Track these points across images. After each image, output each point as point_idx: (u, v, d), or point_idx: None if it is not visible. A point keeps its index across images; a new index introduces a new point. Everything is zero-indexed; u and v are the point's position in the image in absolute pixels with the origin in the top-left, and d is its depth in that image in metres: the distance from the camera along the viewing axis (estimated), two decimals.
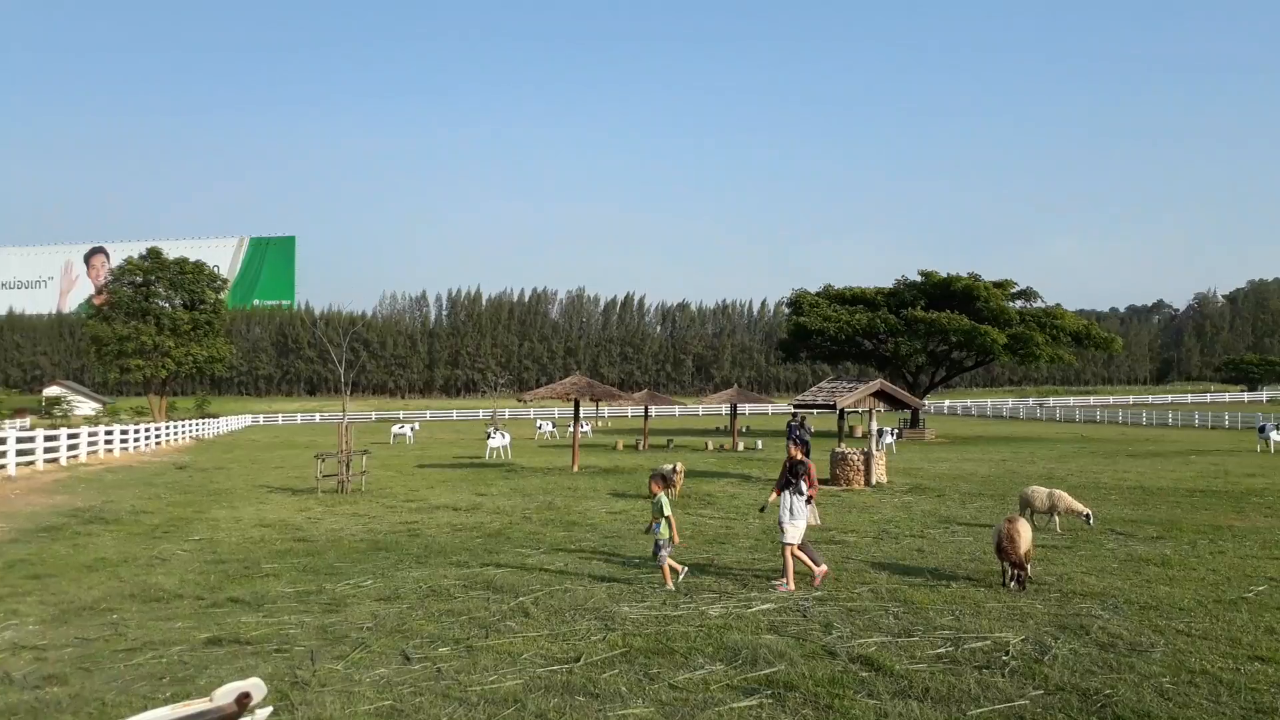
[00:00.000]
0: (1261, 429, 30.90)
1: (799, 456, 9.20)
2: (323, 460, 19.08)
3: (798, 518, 8.86)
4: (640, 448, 33.40)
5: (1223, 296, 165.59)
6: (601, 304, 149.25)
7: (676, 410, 78.94)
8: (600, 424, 61.40)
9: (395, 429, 41.07)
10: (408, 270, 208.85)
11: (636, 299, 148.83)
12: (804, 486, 8.84)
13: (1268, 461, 25.30)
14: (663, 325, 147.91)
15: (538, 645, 6.73)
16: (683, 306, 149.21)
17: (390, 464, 25.94)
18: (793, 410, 23.62)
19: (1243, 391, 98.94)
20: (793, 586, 8.68)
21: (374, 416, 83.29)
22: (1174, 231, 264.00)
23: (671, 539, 8.80)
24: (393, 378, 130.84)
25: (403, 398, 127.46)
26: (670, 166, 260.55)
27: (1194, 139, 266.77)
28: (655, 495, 8.85)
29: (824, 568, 8.90)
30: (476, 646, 6.71)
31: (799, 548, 8.90)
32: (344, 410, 21.05)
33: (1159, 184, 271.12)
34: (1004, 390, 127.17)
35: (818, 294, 51.02)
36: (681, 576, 8.85)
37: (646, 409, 36.13)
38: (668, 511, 8.79)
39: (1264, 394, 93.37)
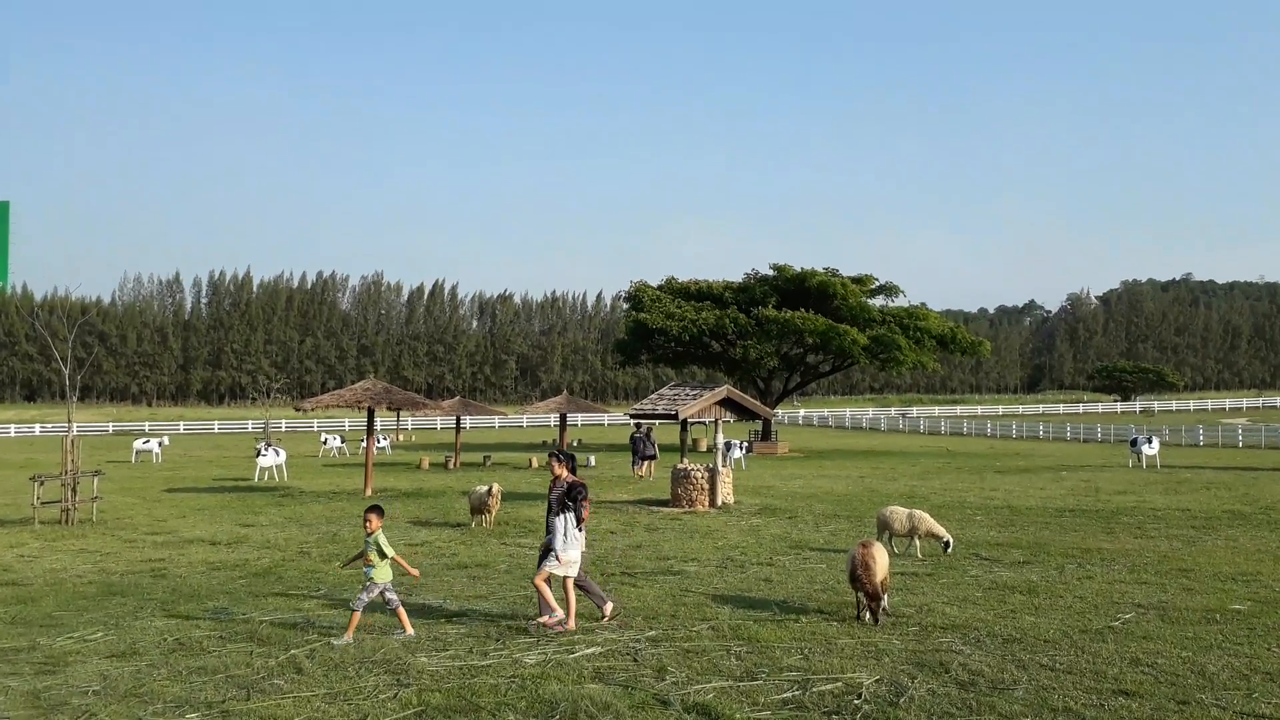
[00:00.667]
0: (1134, 442, 34.60)
1: (567, 476, 9.33)
2: (41, 483, 17.77)
3: (570, 546, 9.03)
4: (450, 466, 33.11)
5: (1096, 298, 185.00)
6: (405, 293, 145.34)
7: (496, 421, 78.33)
8: (402, 437, 60.08)
9: (139, 444, 40.41)
10: (157, 247, 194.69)
11: (448, 288, 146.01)
12: (583, 512, 9.06)
13: (1139, 477, 28.27)
14: (480, 320, 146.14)
15: (312, 707, 6.60)
16: (504, 299, 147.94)
17: (132, 488, 25.28)
18: (632, 421, 23.91)
19: (1116, 401, 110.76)
20: (572, 624, 8.89)
21: (111, 429, 77.51)
22: (1047, 227, 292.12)
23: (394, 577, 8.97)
24: (136, 380, 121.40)
25: (150, 405, 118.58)
26: (490, 135, 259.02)
27: (1066, 130, 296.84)
28: (371, 532, 8.81)
29: (573, 622, 8.96)
30: (234, 711, 6.54)
31: (577, 582, 9.11)
32: (70, 421, 19.86)
33: (1030, 176, 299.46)
34: (864, 399, 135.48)
35: (660, 288, 52.05)
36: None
37: (459, 420, 35.68)
38: (390, 552, 8.83)
39: (1137, 404, 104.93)
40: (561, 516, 9.04)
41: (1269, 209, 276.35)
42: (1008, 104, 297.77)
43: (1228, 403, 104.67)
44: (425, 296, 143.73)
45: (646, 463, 29.01)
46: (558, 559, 8.98)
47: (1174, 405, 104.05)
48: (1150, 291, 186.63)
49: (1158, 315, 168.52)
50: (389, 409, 23.19)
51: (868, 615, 9.24)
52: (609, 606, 9.22)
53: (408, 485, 25.38)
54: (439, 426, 75.60)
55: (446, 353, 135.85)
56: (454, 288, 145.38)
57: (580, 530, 9.11)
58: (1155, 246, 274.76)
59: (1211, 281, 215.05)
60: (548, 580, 9.10)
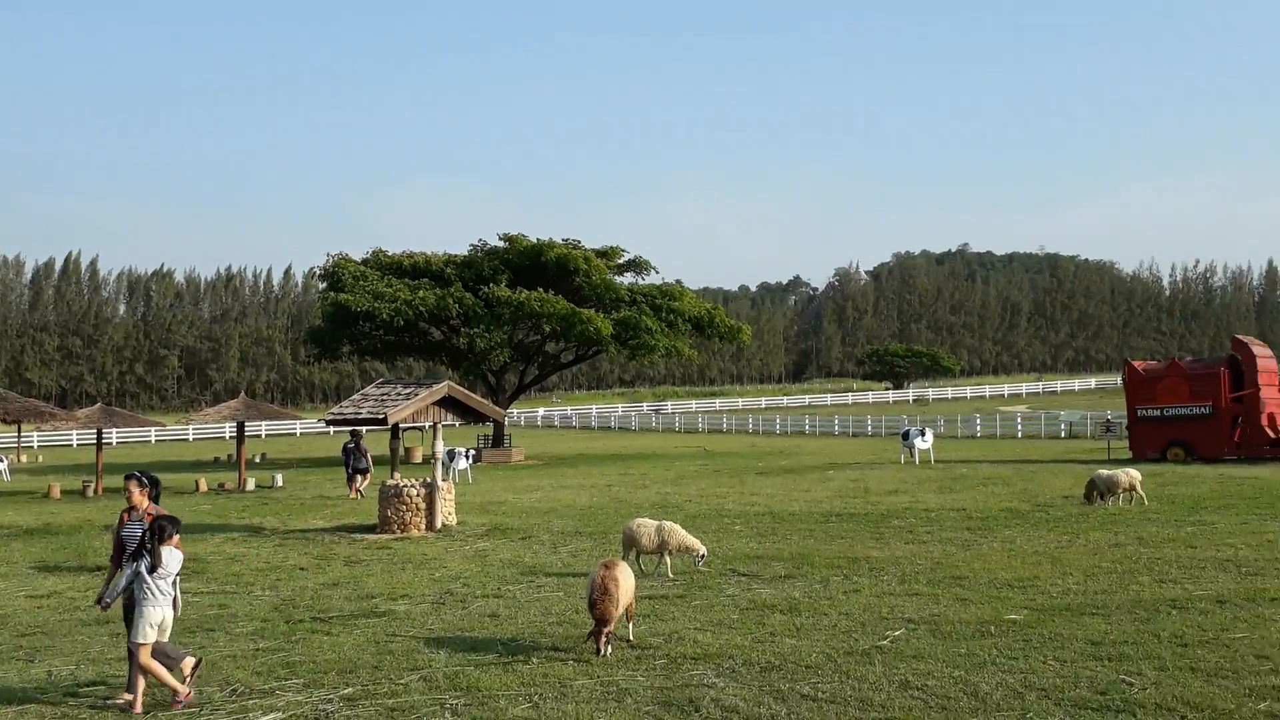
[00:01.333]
0: (905, 435, 37.60)
1: (150, 508, 8.82)
2: None
3: (156, 603, 8.27)
4: (90, 493, 30.96)
5: (866, 273, 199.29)
6: (28, 271, 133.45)
7: (152, 434, 73.94)
8: (26, 458, 55.23)
9: None
10: None
11: (85, 262, 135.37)
12: (164, 554, 8.29)
13: (912, 474, 30.70)
14: (130, 304, 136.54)
15: None
16: (162, 276, 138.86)
17: None
18: (329, 426, 23.30)
19: (888, 389, 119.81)
20: (139, 708, 8.23)
21: None
22: (814, 196, 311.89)
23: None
24: None
25: None
26: (148, 70, 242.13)
27: (834, 94, 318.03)
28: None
29: (188, 689, 8.49)
30: None
31: (153, 653, 8.31)
32: None
33: (797, 141, 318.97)
34: (613, 394, 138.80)
35: (365, 263, 50.63)
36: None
37: (101, 433, 33.37)
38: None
39: (910, 392, 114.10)
40: (137, 565, 8.28)
41: (1048, 175, 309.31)
42: (773, 62, 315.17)
43: (1006, 389, 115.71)
44: (55, 275, 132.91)
45: (359, 477, 28.61)
46: (149, 623, 8.23)
47: (950, 392, 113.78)
48: (925, 265, 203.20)
49: (932, 291, 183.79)
50: (4, 422, 21.27)
51: (597, 643, 9.43)
52: (186, 690, 8.49)
53: (31, 520, 23.46)
54: (75, 443, 70.25)
55: (85, 347, 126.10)
56: (93, 262, 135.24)
57: (162, 581, 8.31)
58: (929, 215, 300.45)
59: (990, 253, 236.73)
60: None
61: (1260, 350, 34.02)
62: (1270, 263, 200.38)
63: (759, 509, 22.26)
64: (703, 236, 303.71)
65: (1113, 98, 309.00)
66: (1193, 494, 22.68)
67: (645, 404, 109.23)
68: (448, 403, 20.94)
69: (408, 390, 20.89)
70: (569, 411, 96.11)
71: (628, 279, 53.03)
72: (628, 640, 10.08)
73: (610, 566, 9.78)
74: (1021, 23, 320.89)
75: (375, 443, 33.52)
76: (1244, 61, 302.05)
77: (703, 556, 14.03)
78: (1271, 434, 32.80)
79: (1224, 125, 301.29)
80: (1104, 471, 21.75)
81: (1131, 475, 21.13)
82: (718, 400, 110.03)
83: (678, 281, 54.79)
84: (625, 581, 9.73)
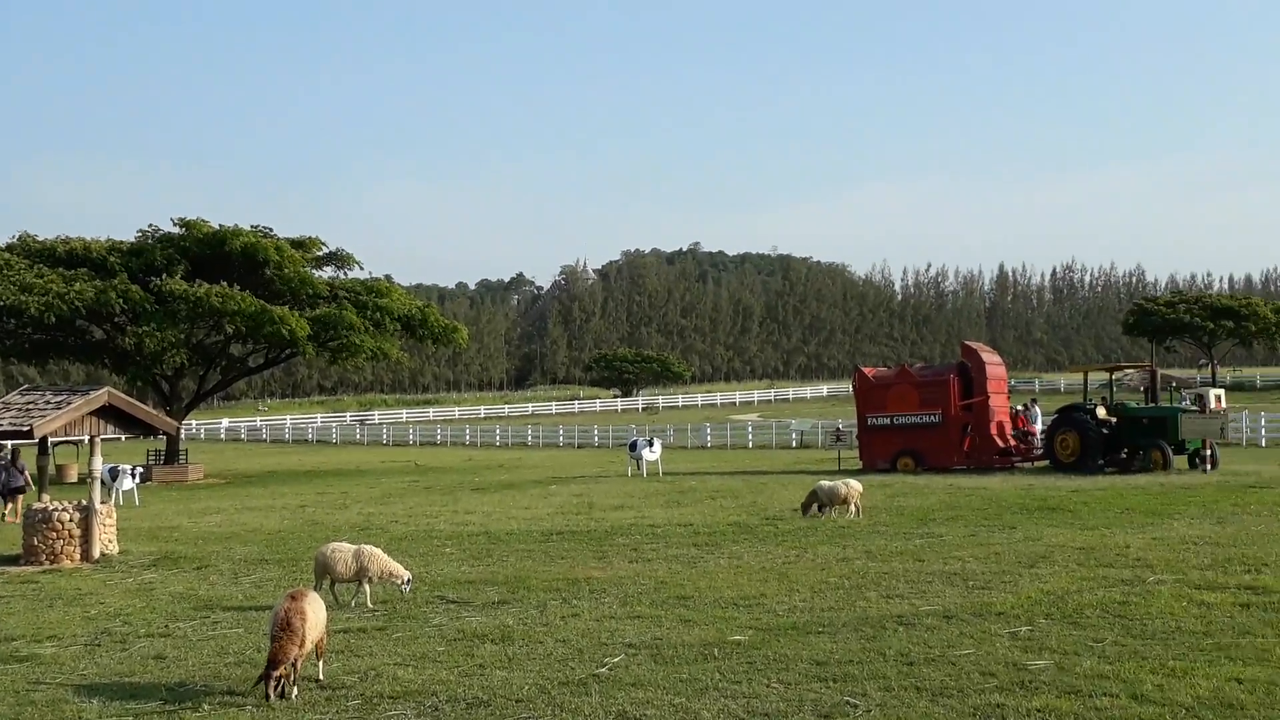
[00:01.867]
0: (633, 446, 38.45)
1: None
2: None
3: None
4: None
5: (594, 271, 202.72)
6: None
7: None
8: None
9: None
10: None
11: None
12: None
13: (639, 487, 31.34)
14: None
15: None
16: None
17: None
18: None
19: (616, 397, 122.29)
20: None
21: None
22: (539, 186, 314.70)
23: None
24: None
25: None
26: None
27: (559, 82, 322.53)
28: None
29: None
30: None
31: None
32: None
33: (520, 127, 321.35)
34: (312, 402, 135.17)
35: (9, 248, 47.32)
36: None
37: None
38: None
39: (639, 399, 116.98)
40: None
41: (780, 173, 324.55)
42: (490, 45, 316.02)
43: (738, 396, 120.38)
44: None
45: (15, 499, 27.42)
46: None
47: (680, 400, 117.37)
48: (655, 264, 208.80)
49: (662, 293, 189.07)
50: None
51: (266, 687, 9.10)
52: None
53: None
54: None
55: None
56: None
57: None
58: (659, 211, 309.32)
59: (722, 253, 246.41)
60: None
61: (989, 357, 36.69)
62: (1001, 267, 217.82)
63: (473, 529, 22.23)
64: (414, 229, 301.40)
65: (838, 96, 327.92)
66: (922, 505, 24.22)
67: (349, 414, 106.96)
68: (108, 412, 19.78)
69: (59, 398, 19.60)
70: (258, 423, 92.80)
71: (328, 273, 51.90)
72: (317, 680, 9.81)
73: (297, 597, 9.48)
74: (742, 19, 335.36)
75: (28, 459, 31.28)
76: (965, 66, 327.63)
77: (408, 582, 13.85)
78: (1000, 443, 35.41)
79: (950, 126, 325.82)
80: (825, 483, 22.87)
81: (852, 487, 22.30)
82: (431, 409, 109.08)
83: (386, 277, 54.07)
84: (314, 614, 9.46)
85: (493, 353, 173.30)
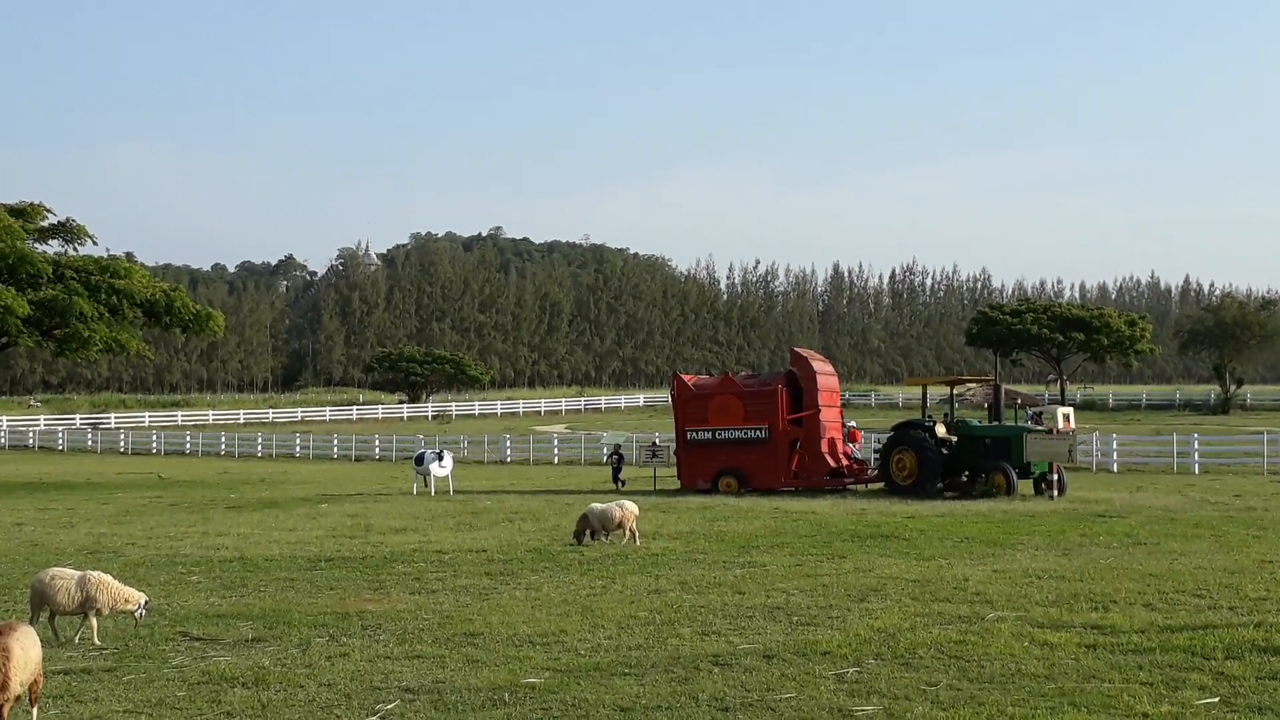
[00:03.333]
0: (420, 459, 38.00)
1: None
2: None
3: None
4: None
5: (378, 256, 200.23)
6: None
7: None
8: None
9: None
10: None
11: None
12: None
13: (425, 507, 31.12)
14: None
15: None
16: None
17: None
18: None
19: (402, 403, 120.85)
20: None
21: None
22: (314, 156, 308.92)
23: None
24: None
25: None
26: None
27: (330, 38, 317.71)
28: None
29: None
30: None
31: None
32: None
33: (292, 91, 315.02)
34: (38, 401, 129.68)
35: None
36: None
37: None
38: None
39: (429, 406, 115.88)
40: None
41: (592, 152, 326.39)
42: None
43: (544, 405, 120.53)
44: None
45: None
46: None
47: (477, 407, 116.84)
48: (449, 250, 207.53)
49: (458, 283, 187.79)
50: None
51: None
52: None
53: None
54: None
55: None
56: None
57: None
58: (455, 189, 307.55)
59: (527, 240, 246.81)
60: None
61: (821, 365, 37.46)
62: (836, 267, 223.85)
63: (226, 554, 21.74)
64: (162, 200, 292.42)
65: (658, 72, 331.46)
66: (744, 531, 24.62)
67: (79, 416, 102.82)
68: None
69: None
70: None
71: (53, 248, 49.93)
72: None
73: (5, 632, 9.09)
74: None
75: None
76: (797, 43, 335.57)
77: (144, 606, 13.41)
78: (831, 462, 36.13)
79: (781, 110, 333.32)
80: (597, 506, 23.06)
81: (627, 509, 22.56)
82: (180, 413, 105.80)
83: (126, 255, 52.30)
84: (24, 652, 9.08)
85: (255, 348, 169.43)
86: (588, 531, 22.44)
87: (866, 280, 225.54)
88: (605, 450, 58.81)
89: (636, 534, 22.33)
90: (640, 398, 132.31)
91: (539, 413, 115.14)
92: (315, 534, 25.08)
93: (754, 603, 15.50)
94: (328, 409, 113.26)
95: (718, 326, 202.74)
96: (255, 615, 15.08)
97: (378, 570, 19.27)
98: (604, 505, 22.90)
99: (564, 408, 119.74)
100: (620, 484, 39.48)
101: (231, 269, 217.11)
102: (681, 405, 37.84)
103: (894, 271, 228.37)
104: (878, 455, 37.52)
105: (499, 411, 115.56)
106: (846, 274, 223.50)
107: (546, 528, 25.66)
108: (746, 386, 37.63)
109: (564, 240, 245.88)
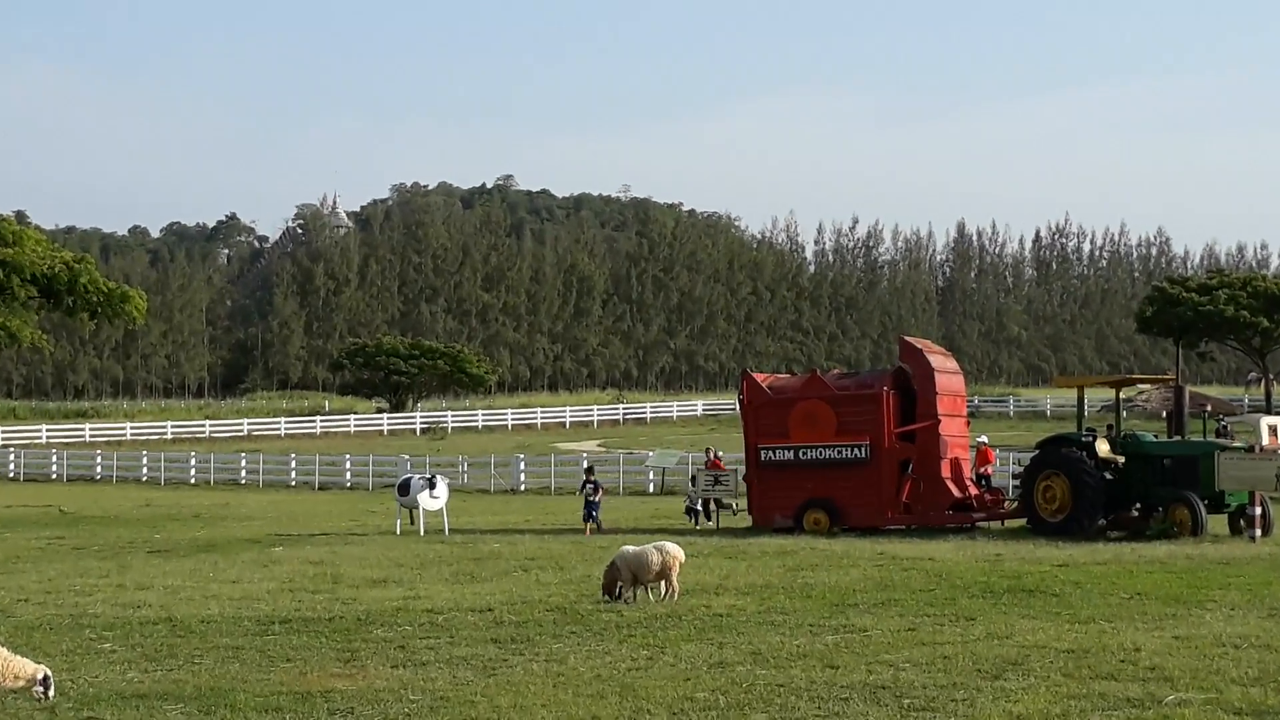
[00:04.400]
0: (404, 488, 38.05)
1: None
2: None
3: None
4: None
5: (348, 215, 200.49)
6: None
7: None
8: None
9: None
10: None
11: None
12: None
13: (412, 551, 31.31)
14: None
15: None
16: None
17: None
18: None
19: (382, 412, 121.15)
20: None
21: None
22: (261, 84, 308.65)
23: None
24: None
25: None
26: None
27: None
28: None
29: None
30: None
31: None
32: None
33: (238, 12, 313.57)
34: None
35: None
36: None
37: None
38: None
39: (418, 416, 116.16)
40: None
41: (634, 79, 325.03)
42: None
43: (569, 414, 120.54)
44: None
45: None
46: None
47: (481, 419, 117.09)
48: (443, 206, 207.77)
49: (454, 251, 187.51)
50: None
51: None
52: None
53: None
54: None
55: None
56: None
57: None
58: (452, 127, 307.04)
59: (546, 194, 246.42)
60: None
61: (941, 361, 37.19)
62: (960, 228, 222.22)
63: (150, 614, 21.82)
64: (62, 143, 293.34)
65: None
66: (838, 584, 24.47)
67: None
68: None
69: None
70: None
71: None
72: None
73: None
74: None
75: None
76: None
77: (45, 683, 13.56)
78: (955, 491, 35.79)
79: (888, 25, 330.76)
80: (630, 549, 22.91)
81: (669, 552, 22.26)
82: (88, 426, 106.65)
83: (16, 215, 52.65)
84: None
85: (187, 338, 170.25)
86: (619, 584, 22.34)
87: (1002, 245, 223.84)
88: (651, 475, 58.87)
89: (676, 586, 22.27)
90: (698, 405, 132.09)
91: (563, 424, 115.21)
92: (266, 587, 25.15)
93: (851, 680, 15.42)
94: (283, 420, 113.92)
95: (801, 308, 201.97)
96: (188, 696, 15.07)
97: (349, 635, 19.30)
98: (638, 548, 22.77)
99: (596, 418, 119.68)
100: (710, 513, 39.67)
101: (155, 233, 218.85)
102: (753, 414, 37.74)
103: (1038, 234, 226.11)
104: (1018, 482, 37.29)
105: (510, 423, 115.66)
106: (974, 237, 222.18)
107: (573, 579, 25.65)
108: (841, 389, 37.45)
109: (596, 193, 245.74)
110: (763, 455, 36.95)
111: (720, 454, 44.42)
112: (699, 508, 39.86)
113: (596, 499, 39.44)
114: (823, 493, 36.00)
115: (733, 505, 40.12)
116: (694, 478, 41.99)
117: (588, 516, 38.86)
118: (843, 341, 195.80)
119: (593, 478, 40.38)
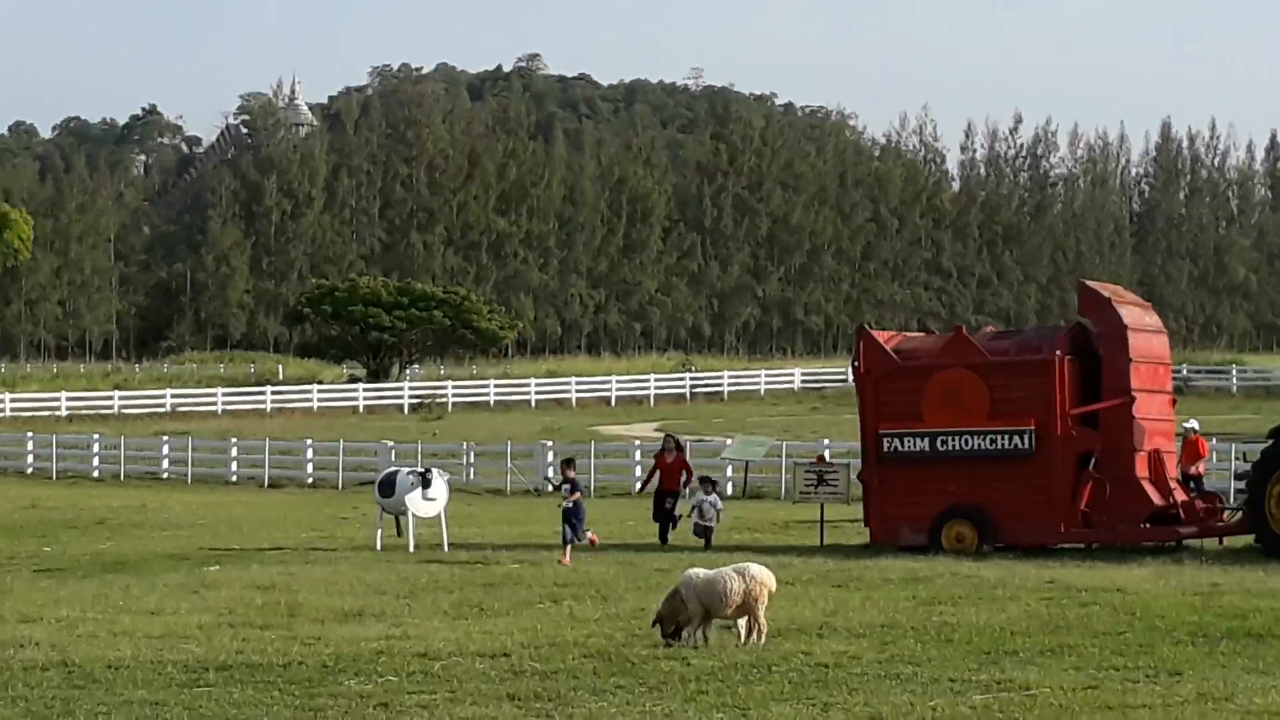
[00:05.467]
0: (387, 485, 38.03)
1: None
2: None
3: None
4: None
5: (309, 109, 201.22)
6: None
7: None
8: None
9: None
10: None
11: None
12: None
13: (396, 573, 31.61)
14: None
15: None
16: None
17: None
18: None
19: (355, 381, 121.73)
20: None
21: None
22: None
23: None
24: None
25: None
26: None
27: None
28: None
29: None
30: None
31: None
32: None
33: None
34: None
35: None
36: None
37: None
38: None
39: (406, 388, 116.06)
40: None
41: None
42: None
43: (615, 385, 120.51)
44: None
45: None
46: None
47: (493, 392, 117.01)
48: (440, 98, 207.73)
49: (457, 160, 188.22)
50: None
51: None
52: None
53: None
54: None
55: None
56: None
57: None
58: None
59: (585, 80, 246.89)
60: None
61: (1136, 314, 36.84)
62: (1165, 129, 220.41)
63: (37, 656, 22.02)
64: None
65: None
66: (989, 624, 24.47)
67: None
68: None
69: None
70: None
71: None
72: None
73: None
74: None
75: None
76: None
77: None
78: (1155, 495, 35.46)
79: None
80: (700, 573, 22.81)
81: (755, 579, 22.03)
82: None
83: None
84: None
85: (89, 278, 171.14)
86: (684, 621, 22.28)
87: (1223, 156, 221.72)
88: (730, 470, 58.74)
89: (764, 624, 22.18)
90: (795, 374, 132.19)
91: (607, 400, 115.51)
92: (198, 621, 25.31)
93: None
94: (220, 392, 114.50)
95: (941, 241, 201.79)
96: None
97: (311, 688, 19.33)
98: (711, 572, 22.65)
99: (654, 391, 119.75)
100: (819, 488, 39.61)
101: (46, 133, 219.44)
102: (873, 388, 37.64)
103: (1275, 139, 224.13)
104: (1241, 485, 37.14)
105: (533, 398, 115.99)
106: (1184, 142, 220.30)
107: (621, 613, 25.71)
108: (996, 354, 37.24)
109: (655, 80, 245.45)
110: (886, 445, 36.86)
111: (828, 445, 44.35)
112: (711, 524, 39.27)
113: (571, 503, 37.31)
114: (969, 498, 35.93)
115: (710, 522, 39.10)
116: (700, 489, 40.90)
117: (571, 534, 37.07)
118: (998, 288, 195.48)
119: (572, 473, 39.16)
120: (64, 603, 27.62)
